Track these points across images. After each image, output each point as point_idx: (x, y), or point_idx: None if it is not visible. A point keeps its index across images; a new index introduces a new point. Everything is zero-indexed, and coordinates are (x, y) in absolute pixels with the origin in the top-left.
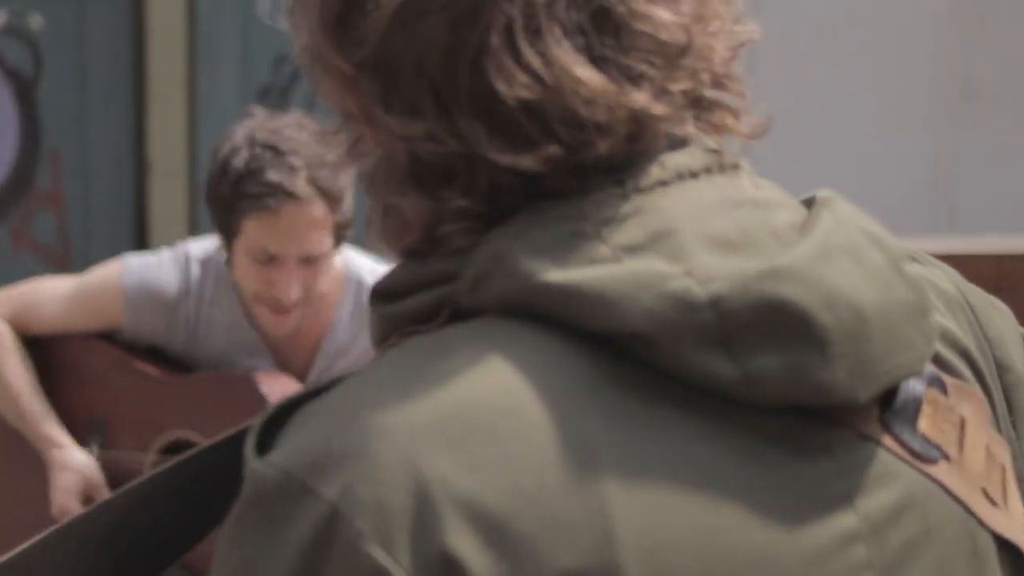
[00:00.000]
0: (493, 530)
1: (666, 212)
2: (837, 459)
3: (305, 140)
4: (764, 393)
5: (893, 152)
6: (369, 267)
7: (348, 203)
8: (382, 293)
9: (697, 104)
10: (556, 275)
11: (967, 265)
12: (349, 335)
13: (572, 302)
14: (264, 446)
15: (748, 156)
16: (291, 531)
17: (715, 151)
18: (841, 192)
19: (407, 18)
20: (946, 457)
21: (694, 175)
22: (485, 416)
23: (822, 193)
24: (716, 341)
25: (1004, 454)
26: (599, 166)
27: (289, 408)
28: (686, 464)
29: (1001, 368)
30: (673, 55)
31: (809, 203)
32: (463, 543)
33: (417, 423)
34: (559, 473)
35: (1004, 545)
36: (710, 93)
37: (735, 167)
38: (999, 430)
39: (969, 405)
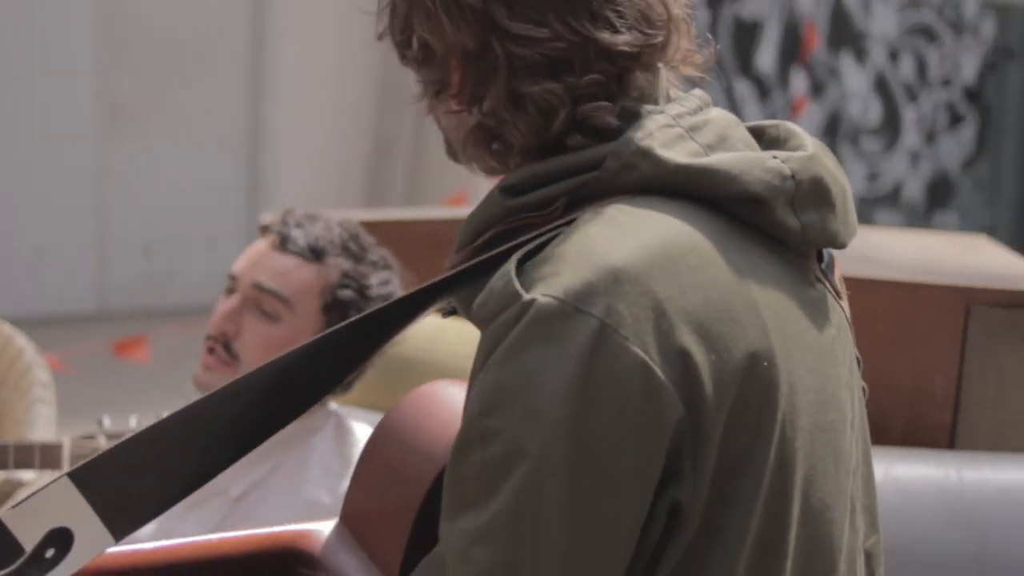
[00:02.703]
0: (702, 331)
1: (716, 123)
2: (816, 289)
3: None
4: (810, 239)
5: (61, 166)
6: None
7: None
8: (509, 187)
9: None
10: (691, 159)
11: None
12: None
13: (706, 178)
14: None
15: None
16: (569, 342)
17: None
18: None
19: None
20: (843, 298)
21: (709, 105)
22: (681, 254)
23: (780, 122)
24: (789, 203)
25: None
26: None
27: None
28: (779, 283)
29: None
30: None
31: (753, 129)
32: (689, 341)
33: (642, 261)
34: (730, 288)
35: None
36: None
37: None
38: None
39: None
